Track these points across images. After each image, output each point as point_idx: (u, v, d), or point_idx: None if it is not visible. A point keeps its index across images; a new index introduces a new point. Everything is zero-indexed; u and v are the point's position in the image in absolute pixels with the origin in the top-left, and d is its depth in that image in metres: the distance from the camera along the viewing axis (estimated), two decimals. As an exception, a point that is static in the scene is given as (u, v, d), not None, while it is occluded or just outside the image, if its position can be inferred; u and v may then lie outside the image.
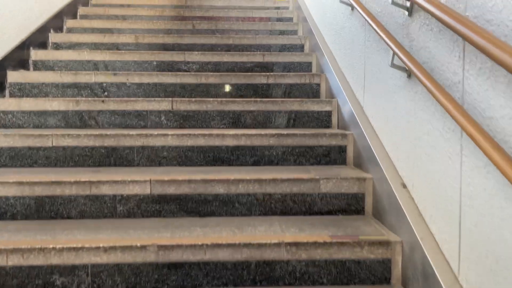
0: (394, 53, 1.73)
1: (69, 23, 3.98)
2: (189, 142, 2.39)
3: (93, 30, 3.96)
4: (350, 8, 2.58)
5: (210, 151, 2.40)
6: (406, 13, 1.72)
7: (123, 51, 3.36)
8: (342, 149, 2.42)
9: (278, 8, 4.79)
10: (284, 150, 2.42)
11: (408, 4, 1.69)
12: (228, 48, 3.74)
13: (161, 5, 4.71)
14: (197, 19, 4.37)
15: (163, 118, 2.67)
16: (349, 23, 2.62)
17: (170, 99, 2.68)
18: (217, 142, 2.40)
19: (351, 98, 2.52)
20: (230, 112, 2.70)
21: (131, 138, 2.35)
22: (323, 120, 2.77)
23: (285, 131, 2.43)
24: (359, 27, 2.41)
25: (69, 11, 4.14)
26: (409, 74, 1.71)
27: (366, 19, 2.07)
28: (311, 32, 3.68)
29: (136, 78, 3.01)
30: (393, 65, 1.79)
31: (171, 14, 4.36)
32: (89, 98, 2.81)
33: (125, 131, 2.41)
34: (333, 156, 2.42)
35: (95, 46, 3.65)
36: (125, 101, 2.67)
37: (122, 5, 4.66)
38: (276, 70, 3.43)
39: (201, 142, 2.40)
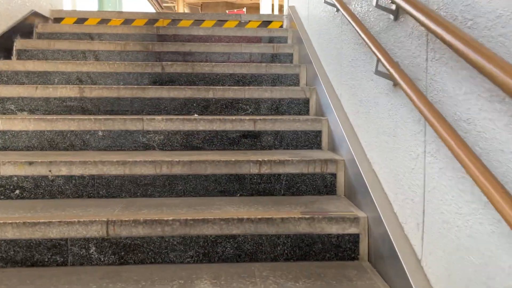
0: None
1: (-5, 64, 2.98)
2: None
3: (27, 75, 2.96)
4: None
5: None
6: None
7: (54, 117, 2.36)
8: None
9: (272, 39, 3.81)
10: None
11: None
12: (207, 105, 2.76)
13: (126, 34, 3.70)
14: (169, 55, 3.38)
15: (92, 250, 1.68)
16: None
17: (106, 219, 1.69)
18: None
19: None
20: (201, 239, 1.72)
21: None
22: (343, 248, 1.80)
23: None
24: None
25: (2, 45, 3.14)
26: None
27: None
28: (319, 82, 2.71)
29: (63, 169, 2.02)
30: None
31: (135, 48, 3.36)
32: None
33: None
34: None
35: (19, 105, 2.65)
36: (32, 224, 1.67)
37: (75, 34, 3.65)
38: (273, 144, 2.45)
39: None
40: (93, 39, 3.67)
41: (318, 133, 2.48)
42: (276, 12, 12.99)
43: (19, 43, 3.30)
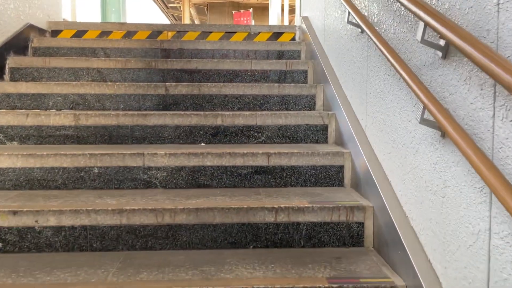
0: None
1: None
2: None
3: (20, 98, 2.72)
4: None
5: None
6: None
7: (44, 153, 2.12)
8: None
9: (284, 54, 3.54)
10: None
11: None
12: (215, 132, 2.50)
13: (127, 48, 3.45)
14: (174, 73, 3.12)
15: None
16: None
17: (97, 289, 1.44)
18: None
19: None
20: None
21: None
22: None
23: None
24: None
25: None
26: None
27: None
28: (338, 106, 2.44)
29: (52, 218, 1.76)
30: None
31: (137, 66, 3.11)
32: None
33: None
34: None
35: (9, 134, 2.41)
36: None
37: (74, 49, 3.40)
38: (289, 181, 2.19)
39: None
40: (92, 54, 3.42)
41: (340, 169, 2.21)
42: (286, 15, 12.73)
43: (12, 61, 3.06)
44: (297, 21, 4.08)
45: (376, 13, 1.95)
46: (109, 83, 2.80)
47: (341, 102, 2.44)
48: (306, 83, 3.21)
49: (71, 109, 2.77)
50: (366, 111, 2.10)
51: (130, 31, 3.80)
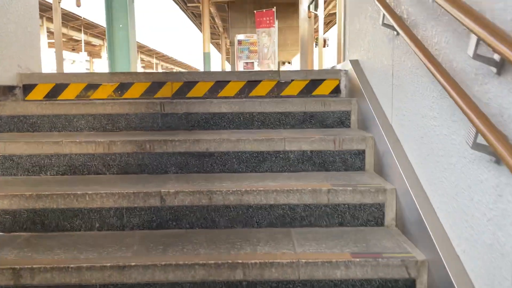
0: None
1: None
2: None
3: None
4: None
5: None
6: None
7: None
8: None
9: (327, 119, 2.57)
10: None
11: None
12: (233, 293, 1.58)
13: (117, 114, 2.55)
14: (175, 160, 2.21)
15: None
16: None
17: None
18: None
19: None
20: None
21: None
22: None
23: None
24: None
25: None
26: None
27: None
28: (435, 250, 1.48)
29: None
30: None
31: (125, 149, 2.22)
32: None
33: None
34: None
35: None
36: None
37: (45, 118, 2.54)
38: None
39: None
40: (69, 125, 2.55)
41: None
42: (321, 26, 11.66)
43: (-45, 147, 2.22)
44: (342, 64, 3.09)
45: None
46: (79, 193, 1.91)
47: (436, 241, 1.48)
48: (364, 169, 2.25)
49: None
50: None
51: (123, 84, 2.91)
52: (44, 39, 24.36)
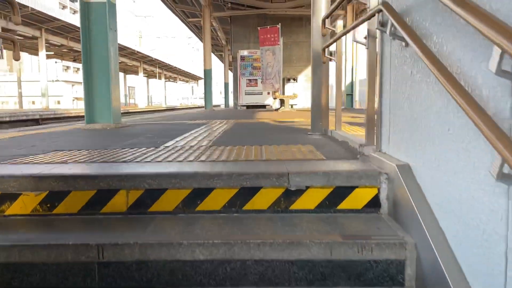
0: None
1: None
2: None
3: None
4: None
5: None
6: None
7: None
8: None
9: (364, 270, 1.59)
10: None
11: None
12: None
13: None
14: None
15: None
16: None
17: None
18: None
19: None
20: None
21: None
22: None
23: None
24: None
25: None
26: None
27: None
28: None
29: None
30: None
31: None
32: None
33: None
34: None
35: None
36: None
37: None
38: None
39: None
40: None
41: None
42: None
43: None
44: (386, 167, 2.09)
45: None
46: None
47: None
48: None
49: None
50: None
51: (54, 193, 1.94)
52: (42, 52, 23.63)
